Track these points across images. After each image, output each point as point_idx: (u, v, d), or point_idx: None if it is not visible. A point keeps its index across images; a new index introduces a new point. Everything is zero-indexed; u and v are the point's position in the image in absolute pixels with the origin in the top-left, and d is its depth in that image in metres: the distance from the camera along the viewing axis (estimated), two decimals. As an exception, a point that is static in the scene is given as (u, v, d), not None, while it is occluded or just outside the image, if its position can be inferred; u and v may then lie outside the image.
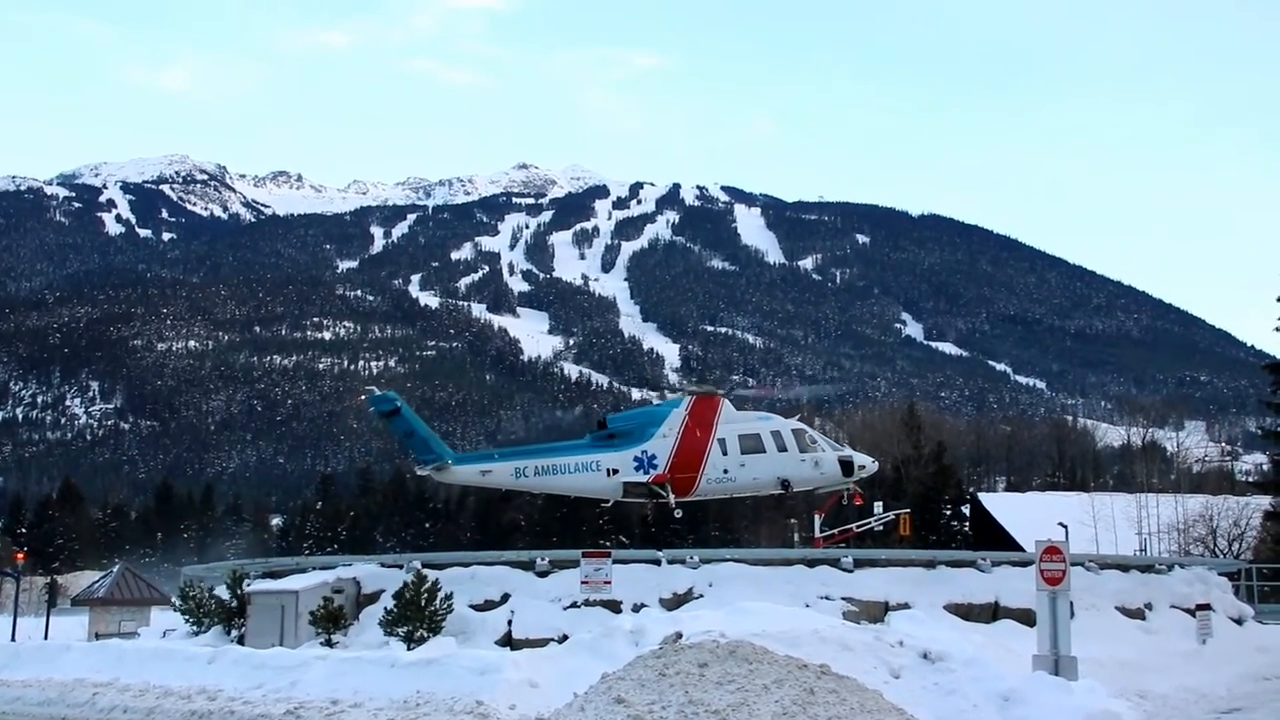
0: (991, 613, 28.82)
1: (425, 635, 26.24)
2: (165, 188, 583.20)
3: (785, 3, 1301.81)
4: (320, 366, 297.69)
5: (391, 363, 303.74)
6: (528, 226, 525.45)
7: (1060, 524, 52.18)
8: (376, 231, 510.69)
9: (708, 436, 34.77)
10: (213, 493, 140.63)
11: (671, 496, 34.67)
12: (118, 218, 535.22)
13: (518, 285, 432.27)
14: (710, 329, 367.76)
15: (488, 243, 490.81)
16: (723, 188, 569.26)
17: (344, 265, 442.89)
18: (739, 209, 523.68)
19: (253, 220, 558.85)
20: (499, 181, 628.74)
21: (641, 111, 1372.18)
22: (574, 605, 27.66)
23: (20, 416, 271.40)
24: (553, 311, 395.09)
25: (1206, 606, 31.43)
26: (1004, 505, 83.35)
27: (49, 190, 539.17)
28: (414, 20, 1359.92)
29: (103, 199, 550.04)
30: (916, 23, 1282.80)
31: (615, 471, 34.38)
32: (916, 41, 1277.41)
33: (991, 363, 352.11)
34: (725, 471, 34.79)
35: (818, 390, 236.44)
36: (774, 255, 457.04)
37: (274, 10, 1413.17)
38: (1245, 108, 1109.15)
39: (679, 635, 19.50)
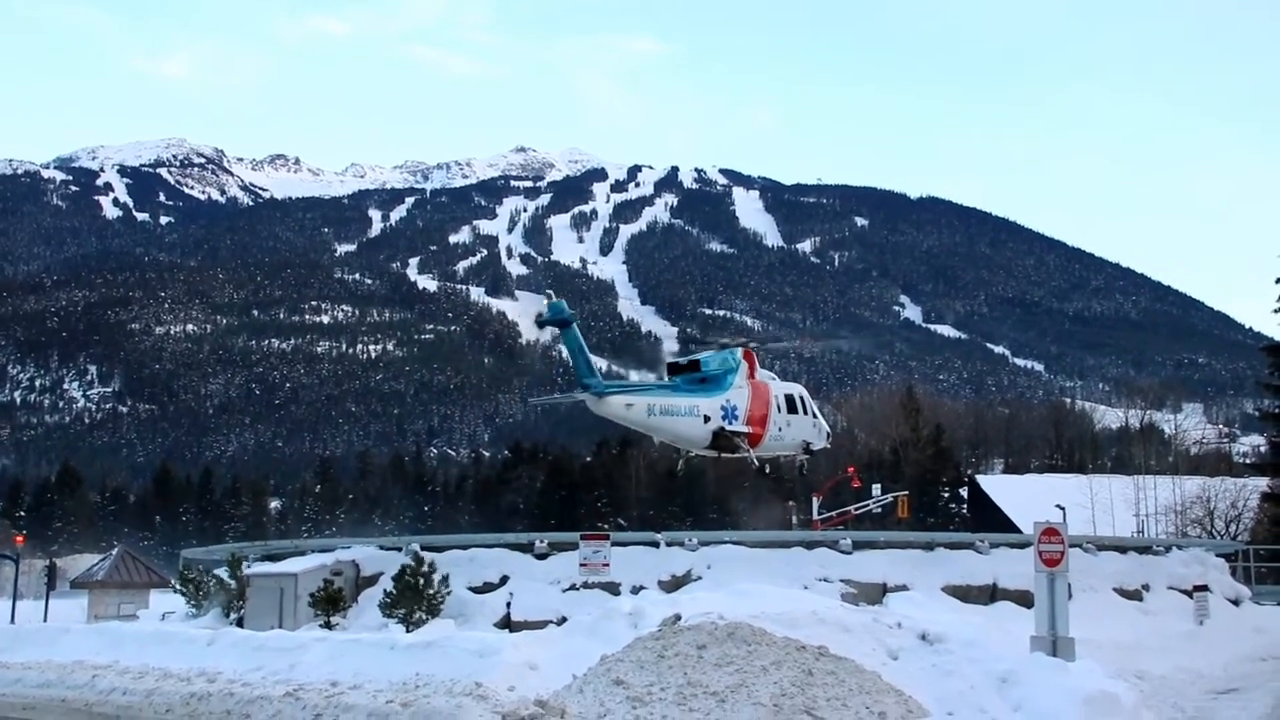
0: (989, 594, 28.91)
1: (424, 617, 26.30)
2: (163, 171, 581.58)
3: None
4: (318, 350, 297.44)
5: (390, 346, 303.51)
6: (526, 210, 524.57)
7: (1058, 506, 52.19)
8: (374, 215, 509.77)
9: (768, 391, 33.51)
10: (211, 476, 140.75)
11: (751, 452, 33.01)
12: (115, 201, 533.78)
13: (516, 268, 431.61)
14: (709, 312, 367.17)
15: (486, 226, 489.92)
16: (721, 170, 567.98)
17: (342, 249, 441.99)
18: (737, 192, 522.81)
19: (250, 204, 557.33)
20: (497, 165, 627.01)
21: (640, 96, 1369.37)
22: (573, 587, 27.72)
23: (19, 400, 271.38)
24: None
25: (1204, 588, 31.51)
26: (1002, 487, 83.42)
27: (46, 174, 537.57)
28: (413, 6, 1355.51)
29: (100, 182, 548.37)
30: (914, 7, 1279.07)
31: (708, 419, 31.94)
32: (914, 26, 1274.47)
33: (990, 345, 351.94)
34: (780, 430, 33.57)
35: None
36: (772, 238, 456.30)
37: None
38: (1244, 92, 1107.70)
39: (677, 617, 19.53)
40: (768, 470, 35.50)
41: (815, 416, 35.48)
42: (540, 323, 31.34)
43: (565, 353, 31.55)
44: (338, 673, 20.08)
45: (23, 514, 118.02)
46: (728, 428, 32.28)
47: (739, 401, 32.61)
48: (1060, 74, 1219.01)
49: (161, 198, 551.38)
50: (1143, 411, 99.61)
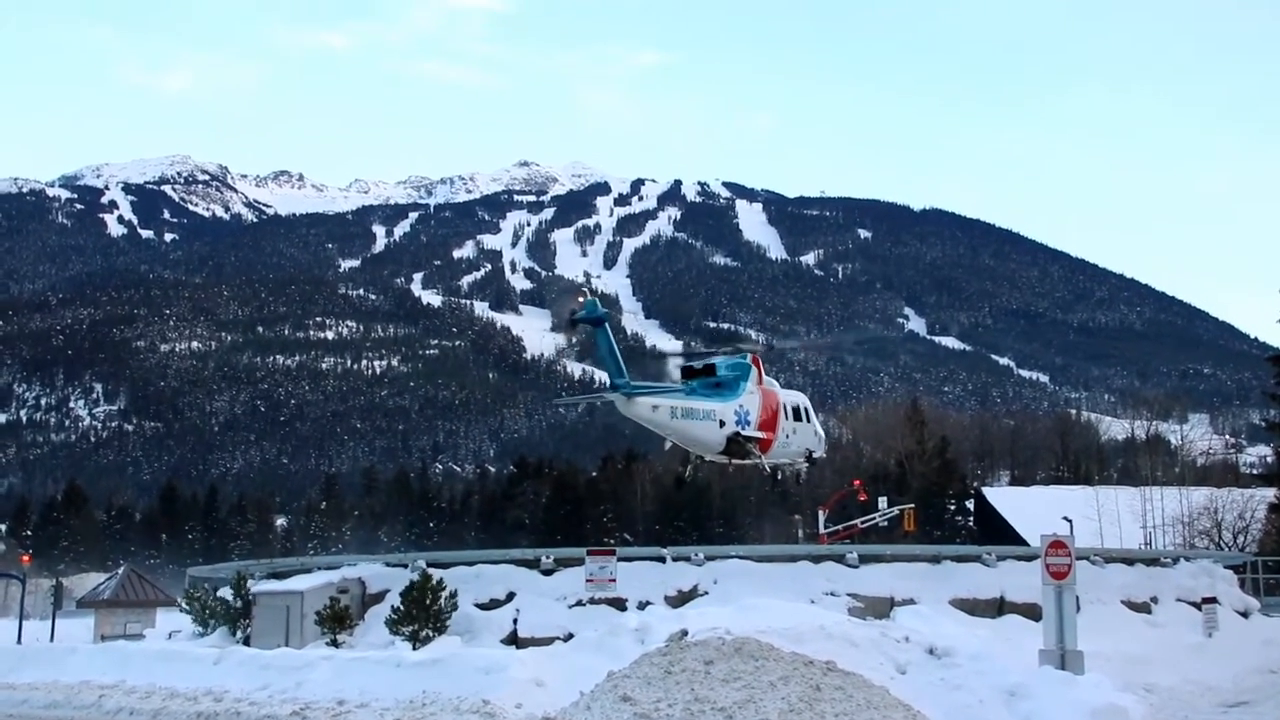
0: (997, 607, 28.86)
1: (430, 635, 26.27)
2: (167, 188, 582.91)
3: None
4: (323, 366, 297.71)
5: (394, 362, 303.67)
6: (529, 224, 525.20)
7: (1065, 518, 52.21)
8: (378, 230, 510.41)
9: (776, 398, 33.43)
10: (217, 494, 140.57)
11: (763, 458, 32.90)
12: (120, 219, 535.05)
13: (520, 283, 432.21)
14: (713, 325, 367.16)
15: (489, 241, 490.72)
16: (724, 183, 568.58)
17: (346, 264, 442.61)
18: (740, 205, 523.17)
19: (255, 220, 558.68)
20: (500, 179, 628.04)
21: (642, 108, 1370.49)
22: (579, 603, 27.69)
23: (24, 419, 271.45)
24: (555, 309, 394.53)
25: (1212, 600, 31.45)
26: (1008, 499, 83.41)
27: (51, 192, 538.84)
28: (414, 20, 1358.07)
29: (105, 200, 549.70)
30: (916, 16, 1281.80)
31: (724, 424, 31.77)
32: (916, 35, 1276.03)
33: (994, 356, 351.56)
34: (787, 436, 33.42)
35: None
36: (776, 250, 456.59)
37: (275, 10, 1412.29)
38: (1248, 99, 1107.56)
39: (684, 633, 19.50)
40: (779, 476, 35.34)
41: (816, 424, 35.61)
42: (574, 320, 30.99)
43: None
44: (344, 691, 20.08)
45: (29, 533, 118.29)
46: (742, 433, 32.20)
47: (751, 407, 32.59)
48: (1061, 82, 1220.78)
49: (166, 215, 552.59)
50: (1148, 422, 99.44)
